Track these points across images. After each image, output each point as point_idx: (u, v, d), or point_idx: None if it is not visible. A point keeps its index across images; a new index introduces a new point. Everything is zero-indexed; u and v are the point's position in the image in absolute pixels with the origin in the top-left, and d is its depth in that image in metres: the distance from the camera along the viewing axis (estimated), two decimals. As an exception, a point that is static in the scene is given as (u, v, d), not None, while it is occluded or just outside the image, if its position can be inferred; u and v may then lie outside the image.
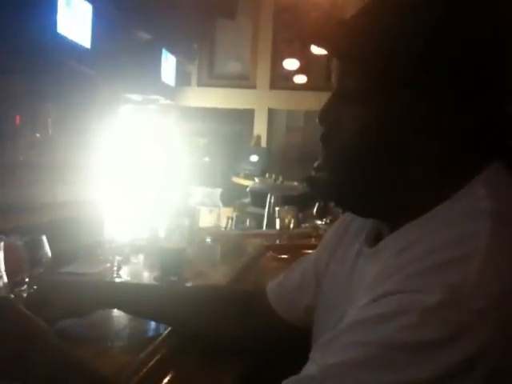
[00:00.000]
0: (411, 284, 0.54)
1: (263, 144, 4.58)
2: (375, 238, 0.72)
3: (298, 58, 4.27)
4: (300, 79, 4.39)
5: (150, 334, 1.10)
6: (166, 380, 0.95)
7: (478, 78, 0.61)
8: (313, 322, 0.86)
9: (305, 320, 0.91)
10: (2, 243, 0.76)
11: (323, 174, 0.69)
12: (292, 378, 0.57)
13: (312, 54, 3.63)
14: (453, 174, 0.63)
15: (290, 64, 4.31)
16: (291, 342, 0.99)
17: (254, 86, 4.61)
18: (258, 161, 4.29)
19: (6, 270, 0.80)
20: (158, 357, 0.99)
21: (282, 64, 4.37)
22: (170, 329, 1.08)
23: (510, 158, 0.64)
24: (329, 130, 0.68)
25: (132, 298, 1.06)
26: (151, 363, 0.96)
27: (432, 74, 0.61)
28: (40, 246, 1.06)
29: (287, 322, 0.96)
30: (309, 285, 0.92)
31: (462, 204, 0.60)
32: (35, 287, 0.98)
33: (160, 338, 1.05)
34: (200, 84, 4.63)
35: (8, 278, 0.82)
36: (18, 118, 2.03)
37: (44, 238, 1.07)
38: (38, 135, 2.14)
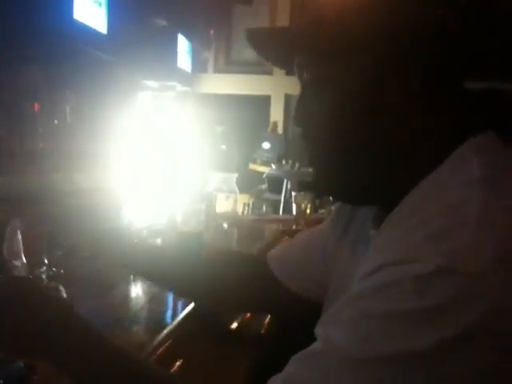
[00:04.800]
0: (405, 255, 0.54)
1: (280, 130, 4.56)
2: (380, 221, 0.72)
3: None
4: (317, 65, 4.35)
5: (167, 315, 1.11)
6: (180, 361, 0.96)
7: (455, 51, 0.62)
8: (325, 298, 0.87)
9: (317, 294, 0.91)
10: (20, 223, 0.77)
11: (312, 171, 0.72)
12: (300, 353, 0.58)
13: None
14: (438, 146, 0.63)
15: (307, 49, 4.28)
16: (302, 318, 0.99)
17: (270, 72, 4.58)
18: (274, 147, 4.28)
19: (25, 251, 0.81)
20: (173, 338, 1.00)
21: (298, 50, 4.35)
22: (186, 311, 1.09)
23: (500, 127, 0.64)
24: (304, 128, 0.71)
25: (142, 258, 1.07)
26: (167, 344, 0.98)
27: (404, 48, 0.62)
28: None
29: (292, 291, 0.97)
30: (318, 262, 0.92)
31: (452, 172, 0.61)
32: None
33: (176, 320, 1.07)
34: (216, 71, 4.63)
35: (26, 259, 0.83)
36: (36, 105, 2.05)
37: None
38: (56, 122, 2.16)
